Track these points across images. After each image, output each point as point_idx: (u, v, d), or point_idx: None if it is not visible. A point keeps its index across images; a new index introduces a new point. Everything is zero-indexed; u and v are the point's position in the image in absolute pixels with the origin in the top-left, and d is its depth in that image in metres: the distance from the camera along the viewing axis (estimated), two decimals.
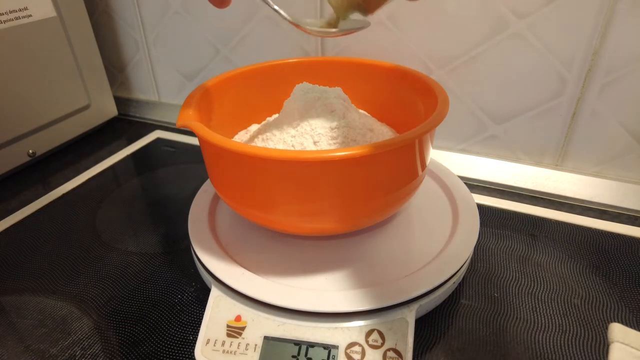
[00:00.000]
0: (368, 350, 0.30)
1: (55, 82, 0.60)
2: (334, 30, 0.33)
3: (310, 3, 0.54)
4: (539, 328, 0.35)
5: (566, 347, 0.33)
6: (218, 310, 0.32)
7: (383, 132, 0.41)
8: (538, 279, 0.39)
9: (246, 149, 0.29)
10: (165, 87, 0.72)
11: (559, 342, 0.33)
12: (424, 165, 0.35)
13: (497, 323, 0.35)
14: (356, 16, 0.34)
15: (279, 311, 0.32)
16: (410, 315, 0.31)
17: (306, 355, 0.30)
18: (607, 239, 0.44)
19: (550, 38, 0.46)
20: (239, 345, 0.30)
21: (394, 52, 0.53)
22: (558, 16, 0.45)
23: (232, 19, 0.60)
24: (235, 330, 0.31)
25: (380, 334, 0.30)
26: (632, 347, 0.31)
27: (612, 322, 0.34)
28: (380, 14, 0.51)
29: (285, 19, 0.33)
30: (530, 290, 0.38)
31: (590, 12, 0.43)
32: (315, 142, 0.35)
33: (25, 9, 0.54)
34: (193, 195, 0.43)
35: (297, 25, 0.33)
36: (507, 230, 0.45)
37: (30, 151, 0.58)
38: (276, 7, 0.32)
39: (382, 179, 0.32)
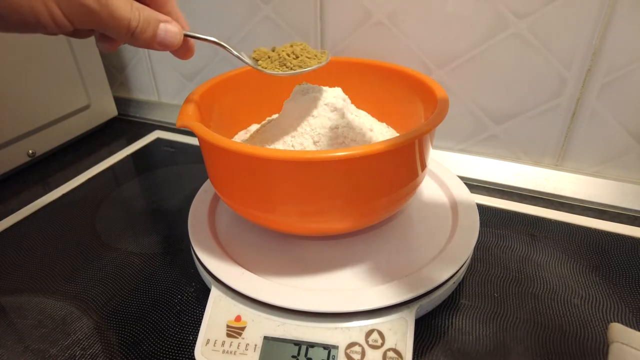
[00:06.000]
0: (368, 350, 0.30)
1: (55, 82, 0.60)
2: (292, 72, 0.34)
3: (310, 4, 0.54)
4: (539, 328, 0.35)
5: (566, 347, 0.33)
6: (218, 310, 0.32)
7: (383, 132, 0.41)
8: (538, 279, 0.39)
9: (246, 149, 0.29)
10: (165, 87, 0.72)
11: (559, 342, 0.33)
12: (423, 165, 0.35)
13: (497, 323, 0.35)
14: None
15: (279, 311, 0.32)
16: (410, 315, 0.31)
17: (306, 355, 0.30)
18: (607, 239, 0.44)
19: (550, 38, 0.46)
20: (239, 346, 0.30)
21: (394, 52, 0.53)
22: (558, 16, 0.45)
23: (232, 19, 0.60)
24: (235, 330, 0.31)
25: (380, 334, 0.30)
26: (632, 347, 0.31)
27: (612, 322, 0.34)
28: (381, 13, 0.51)
29: (247, 64, 0.34)
30: (530, 290, 0.38)
31: (590, 12, 0.43)
32: (315, 142, 0.35)
33: None
34: (193, 195, 0.43)
35: (258, 70, 0.35)
36: (507, 230, 0.45)
37: (30, 151, 0.58)
38: (236, 53, 0.34)
39: (382, 179, 0.32)
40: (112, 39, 0.29)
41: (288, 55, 0.35)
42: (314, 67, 0.35)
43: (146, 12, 0.28)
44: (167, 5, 0.31)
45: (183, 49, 0.32)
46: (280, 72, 0.34)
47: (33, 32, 0.25)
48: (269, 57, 0.35)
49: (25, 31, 0.24)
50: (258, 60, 0.35)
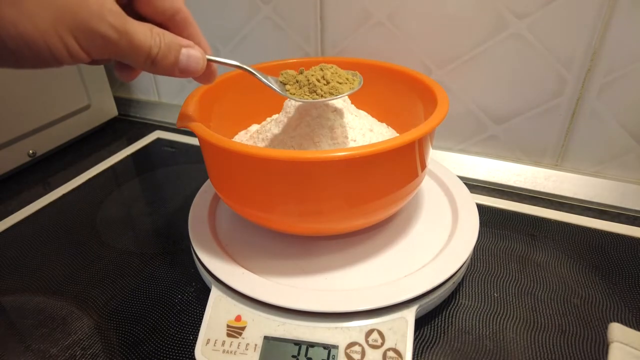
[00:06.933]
0: (368, 350, 0.30)
1: (55, 82, 0.60)
2: (323, 100, 0.33)
3: (310, 4, 0.54)
4: (539, 328, 0.35)
5: (566, 347, 0.33)
6: (218, 310, 0.32)
7: (383, 132, 0.41)
8: (538, 279, 0.39)
9: (246, 149, 0.29)
10: (165, 87, 0.72)
11: (559, 342, 0.33)
12: (423, 166, 0.35)
13: (497, 323, 0.35)
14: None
15: (279, 311, 0.32)
16: (410, 315, 0.31)
17: (306, 355, 0.30)
18: (606, 239, 0.44)
19: (550, 38, 0.46)
20: (239, 345, 0.30)
21: (394, 52, 0.53)
22: (558, 16, 0.45)
23: (232, 19, 0.60)
24: (235, 330, 0.31)
25: (380, 333, 0.30)
26: (632, 347, 0.31)
27: (612, 322, 0.34)
28: (381, 14, 0.51)
29: (274, 89, 0.33)
30: (530, 290, 0.38)
31: (590, 12, 0.43)
32: (315, 143, 0.35)
33: None
34: (193, 195, 0.43)
35: (286, 97, 0.33)
36: (507, 230, 0.45)
37: (31, 151, 0.58)
38: (262, 78, 0.32)
39: (382, 179, 0.32)
40: (130, 67, 0.27)
41: (318, 80, 0.33)
42: (345, 93, 0.33)
43: (168, 37, 0.26)
44: (188, 29, 0.28)
45: (206, 74, 0.30)
46: (311, 100, 0.33)
47: (47, 67, 0.23)
48: (297, 82, 0.33)
49: (39, 67, 0.23)
50: (286, 85, 0.34)
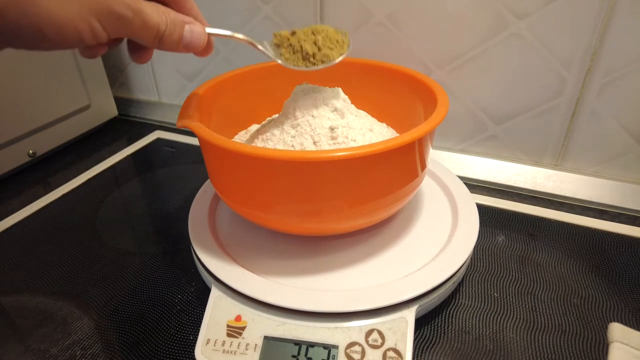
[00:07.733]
0: (368, 350, 0.30)
1: (55, 82, 0.60)
2: (315, 67, 0.35)
3: (310, 5, 0.54)
4: (539, 328, 0.35)
5: (566, 347, 0.33)
6: (218, 310, 0.32)
7: (383, 132, 0.41)
8: (538, 279, 0.39)
9: (246, 149, 0.29)
10: (165, 87, 0.72)
11: (559, 342, 0.33)
12: (423, 166, 0.35)
13: (497, 323, 0.35)
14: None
15: (279, 311, 0.32)
16: (410, 315, 0.31)
17: (306, 355, 0.30)
18: (606, 239, 0.44)
19: (550, 38, 0.46)
20: (239, 345, 0.30)
21: (394, 52, 0.53)
22: (558, 16, 0.45)
23: (232, 19, 0.60)
24: (235, 330, 0.31)
25: (380, 333, 0.30)
26: (632, 347, 0.31)
27: (612, 322, 0.34)
28: (381, 14, 0.51)
29: (270, 57, 0.34)
30: (530, 290, 0.38)
31: (590, 12, 0.43)
32: (315, 143, 0.35)
33: None
34: (193, 195, 0.43)
35: (280, 64, 0.35)
36: (507, 230, 0.45)
37: (31, 151, 0.58)
38: (260, 47, 0.34)
39: (382, 179, 0.32)
40: (143, 49, 0.29)
41: (310, 46, 0.34)
42: (336, 60, 0.35)
43: (172, 15, 0.28)
44: (186, 5, 0.30)
45: (205, 48, 0.31)
46: (304, 68, 0.35)
47: (67, 48, 0.25)
48: (290, 45, 0.35)
49: (63, 47, 0.25)
50: (279, 47, 0.35)
